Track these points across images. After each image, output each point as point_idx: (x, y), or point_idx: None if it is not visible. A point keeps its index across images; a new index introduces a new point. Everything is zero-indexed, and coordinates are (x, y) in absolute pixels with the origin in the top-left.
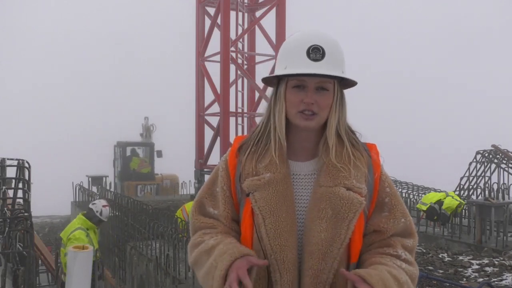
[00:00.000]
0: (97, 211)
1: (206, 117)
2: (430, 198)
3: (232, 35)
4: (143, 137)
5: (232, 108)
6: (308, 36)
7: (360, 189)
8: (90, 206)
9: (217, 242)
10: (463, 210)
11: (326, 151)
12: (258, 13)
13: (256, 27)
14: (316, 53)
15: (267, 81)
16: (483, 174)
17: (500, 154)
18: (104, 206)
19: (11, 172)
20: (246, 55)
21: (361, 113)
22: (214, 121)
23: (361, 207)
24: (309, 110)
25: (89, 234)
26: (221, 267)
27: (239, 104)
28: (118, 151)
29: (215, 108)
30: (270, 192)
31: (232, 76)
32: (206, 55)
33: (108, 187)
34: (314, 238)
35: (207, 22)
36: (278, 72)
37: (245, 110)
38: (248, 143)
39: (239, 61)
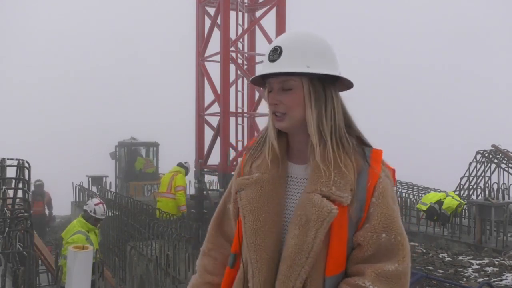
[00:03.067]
0: (90, 211)
1: (206, 117)
2: (430, 198)
3: (232, 35)
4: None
5: (232, 108)
6: (276, 39)
7: (341, 197)
8: (84, 207)
9: None
10: (463, 210)
11: (312, 153)
12: (258, 13)
13: (256, 27)
14: (274, 53)
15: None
16: (483, 174)
17: (500, 154)
18: (96, 204)
19: (11, 172)
20: (246, 55)
21: (360, 112)
22: (214, 121)
23: (329, 217)
24: (277, 112)
25: (90, 236)
26: None
27: (239, 104)
28: (120, 151)
29: (215, 108)
30: (255, 191)
31: (232, 76)
32: (206, 55)
33: (108, 187)
34: (288, 244)
35: (207, 22)
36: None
37: (245, 110)
38: (251, 147)
39: (239, 61)
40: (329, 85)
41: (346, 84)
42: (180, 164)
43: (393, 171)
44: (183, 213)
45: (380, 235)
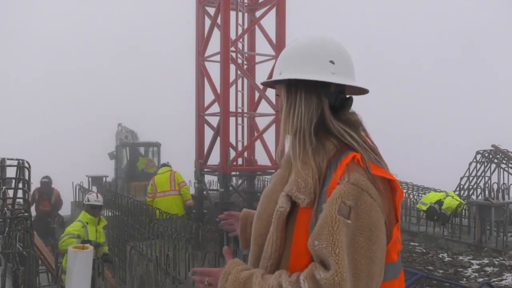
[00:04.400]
0: (85, 201)
1: (206, 117)
2: (430, 198)
3: (232, 35)
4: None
5: (232, 108)
6: None
7: (298, 199)
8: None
9: None
10: (463, 210)
11: None
12: (258, 13)
13: (256, 27)
14: None
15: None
16: (483, 174)
17: (500, 154)
18: (89, 193)
19: (11, 172)
20: (246, 55)
21: (359, 112)
22: (214, 121)
23: (277, 214)
24: None
25: (88, 227)
26: None
27: (239, 104)
28: (122, 151)
29: (215, 108)
30: (271, 184)
31: (232, 76)
32: (206, 55)
33: (107, 187)
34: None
35: (207, 22)
36: None
37: (245, 110)
38: None
39: (239, 61)
40: (305, 87)
41: (355, 88)
42: (166, 164)
43: (388, 180)
44: (190, 207)
45: (313, 242)
